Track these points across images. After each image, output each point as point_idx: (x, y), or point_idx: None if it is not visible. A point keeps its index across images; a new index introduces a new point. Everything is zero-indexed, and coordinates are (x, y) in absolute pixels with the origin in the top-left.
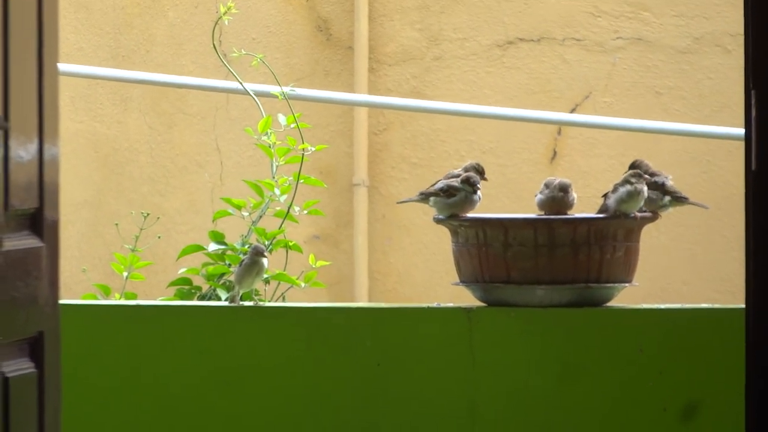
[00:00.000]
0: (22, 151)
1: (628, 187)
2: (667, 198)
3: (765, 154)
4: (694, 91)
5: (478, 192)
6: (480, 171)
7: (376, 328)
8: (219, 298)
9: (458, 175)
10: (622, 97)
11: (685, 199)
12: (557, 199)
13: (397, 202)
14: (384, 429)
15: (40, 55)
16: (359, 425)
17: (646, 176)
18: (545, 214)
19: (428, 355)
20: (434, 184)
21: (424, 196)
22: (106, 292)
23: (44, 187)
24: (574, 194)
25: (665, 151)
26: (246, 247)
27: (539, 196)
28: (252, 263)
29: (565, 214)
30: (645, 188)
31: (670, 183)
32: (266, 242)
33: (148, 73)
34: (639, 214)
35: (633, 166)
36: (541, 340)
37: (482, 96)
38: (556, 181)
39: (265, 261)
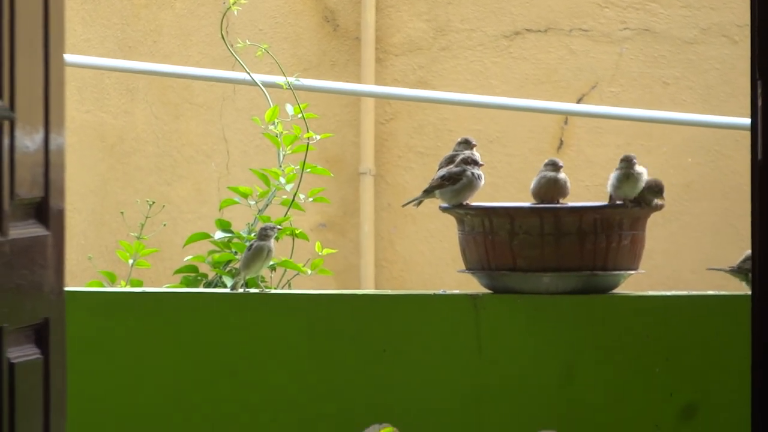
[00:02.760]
0: (28, 141)
1: (618, 171)
2: None
3: None
4: (701, 82)
5: (479, 168)
6: (472, 144)
7: (383, 315)
8: (225, 286)
9: (452, 157)
10: (629, 87)
11: None
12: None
13: (402, 205)
14: (390, 415)
15: (46, 46)
16: (365, 411)
17: None
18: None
19: (434, 342)
20: (434, 177)
21: (428, 192)
22: (112, 279)
23: (50, 177)
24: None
25: (672, 141)
26: (252, 235)
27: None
28: (259, 249)
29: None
30: (642, 171)
31: None
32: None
33: (155, 64)
34: (639, 204)
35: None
36: (547, 327)
37: (489, 86)
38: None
39: (272, 244)
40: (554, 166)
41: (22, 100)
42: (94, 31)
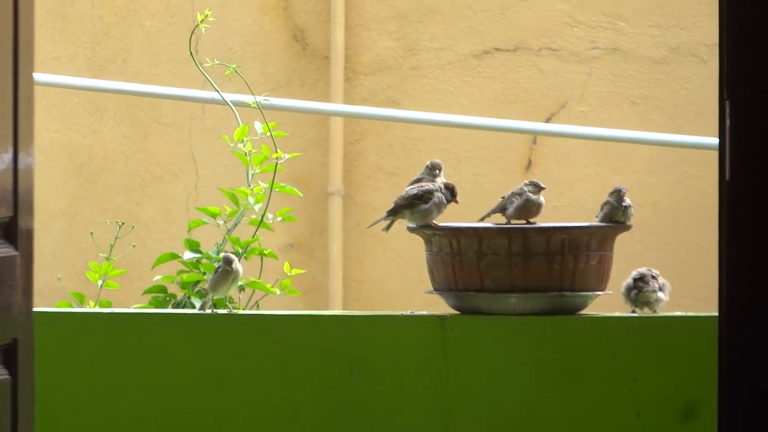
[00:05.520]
0: None
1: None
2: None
3: (739, 164)
4: (669, 101)
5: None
6: (438, 168)
7: (350, 336)
8: (193, 306)
9: (418, 180)
10: (598, 106)
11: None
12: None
13: (368, 227)
14: None
15: (15, 64)
16: None
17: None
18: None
19: (402, 363)
20: (400, 197)
21: (396, 212)
22: (81, 300)
23: (19, 196)
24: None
25: (640, 161)
26: (221, 255)
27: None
28: (226, 271)
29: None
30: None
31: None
32: (240, 250)
33: (124, 83)
34: (608, 224)
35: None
36: (514, 348)
37: (458, 105)
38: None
39: (239, 268)
40: (537, 187)
41: None
42: (64, 50)
